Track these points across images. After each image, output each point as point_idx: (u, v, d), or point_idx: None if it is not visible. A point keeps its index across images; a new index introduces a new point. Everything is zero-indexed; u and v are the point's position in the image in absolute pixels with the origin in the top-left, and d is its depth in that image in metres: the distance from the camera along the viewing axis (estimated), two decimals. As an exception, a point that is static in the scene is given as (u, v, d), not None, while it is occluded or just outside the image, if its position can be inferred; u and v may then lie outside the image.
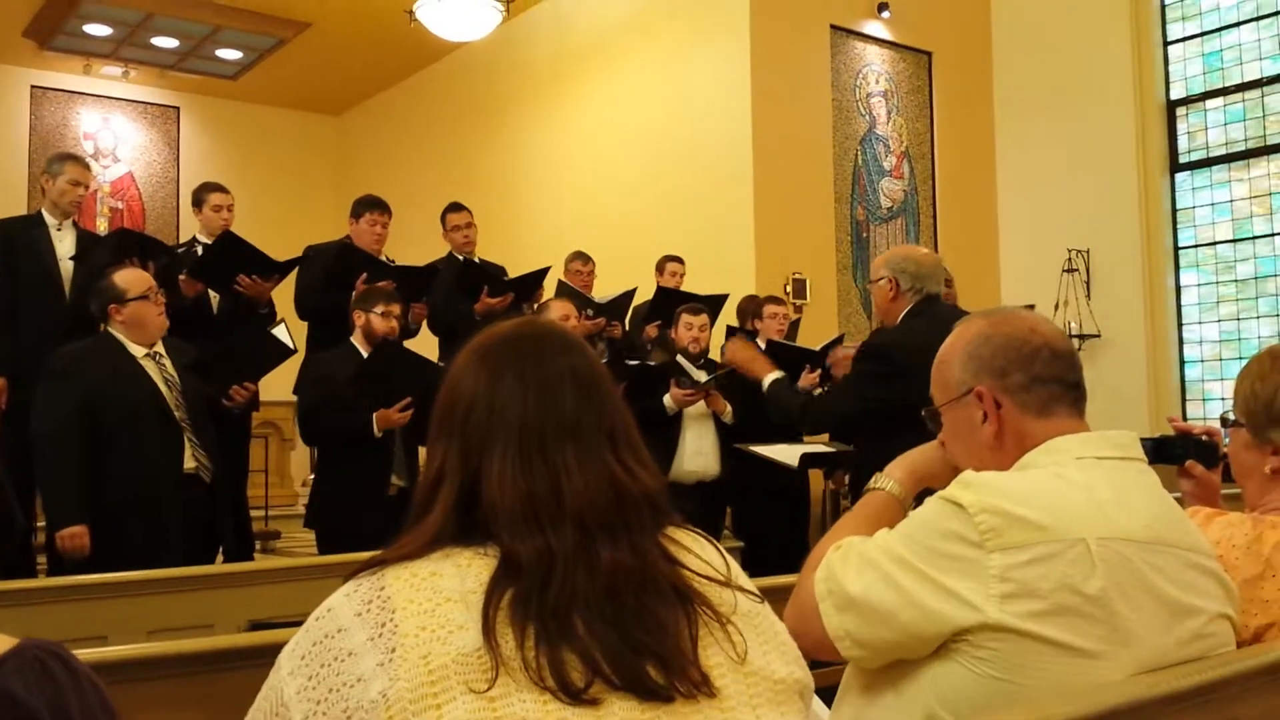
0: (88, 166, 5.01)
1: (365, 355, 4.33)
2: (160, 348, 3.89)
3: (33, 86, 10.15)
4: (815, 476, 5.67)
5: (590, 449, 1.10)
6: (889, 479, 1.58)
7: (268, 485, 7.08)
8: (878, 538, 1.37)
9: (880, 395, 3.50)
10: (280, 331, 4.19)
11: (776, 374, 3.90)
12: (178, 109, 10.92)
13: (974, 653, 1.27)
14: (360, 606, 1.02)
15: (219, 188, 5.33)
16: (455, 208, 5.88)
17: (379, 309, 4.36)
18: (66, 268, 4.67)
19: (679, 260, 6.46)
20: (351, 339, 4.43)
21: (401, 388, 4.20)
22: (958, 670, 1.28)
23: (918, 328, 3.53)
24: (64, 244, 4.71)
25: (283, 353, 4.10)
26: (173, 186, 10.72)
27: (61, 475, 3.62)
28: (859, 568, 1.34)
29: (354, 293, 4.59)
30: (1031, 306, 5.16)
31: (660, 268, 6.44)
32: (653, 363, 5.40)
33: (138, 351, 3.80)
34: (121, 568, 3.09)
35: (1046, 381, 1.46)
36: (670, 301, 5.74)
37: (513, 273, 5.75)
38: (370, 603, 1.01)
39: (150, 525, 3.65)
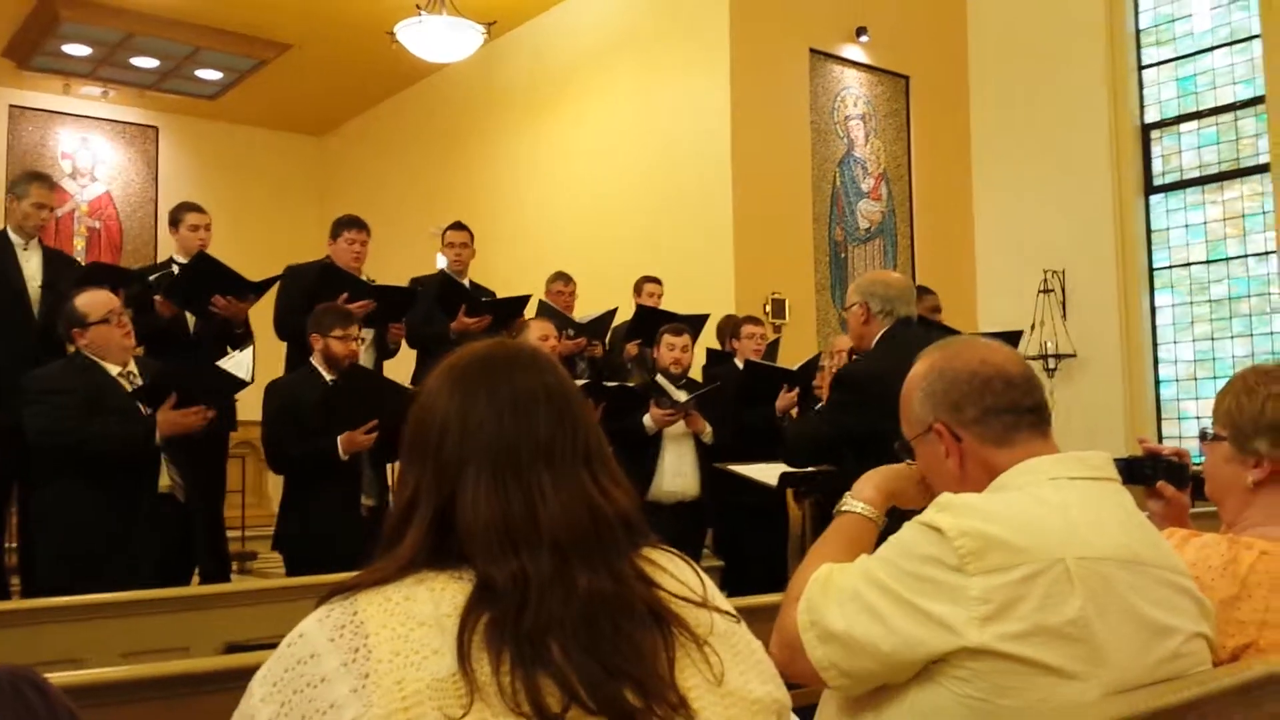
0: (53, 187, 4.92)
1: (327, 378, 4.28)
2: (133, 367, 3.87)
3: (11, 106, 10.09)
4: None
5: (565, 470, 1.10)
6: (858, 500, 1.58)
7: (244, 505, 7.02)
8: (857, 564, 1.38)
9: (852, 422, 3.53)
10: (235, 362, 4.11)
11: None
12: (156, 129, 10.89)
13: (955, 674, 1.27)
14: (333, 632, 1.00)
15: (196, 208, 5.30)
16: (455, 226, 5.93)
17: (336, 332, 4.31)
18: (34, 288, 4.59)
19: (657, 281, 6.48)
20: (311, 360, 4.38)
21: (368, 411, 4.16)
22: (939, 693, 1.28)
23: (888, 354, 3.57)
24: (30, 264, 4.63)
25: (235, 385, 4.03)
26: (151, 206, 10.68)
27: (105, 434, 3.62)
28: (839, 599, 1.34)
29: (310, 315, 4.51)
30: (1018, 334, 5.20)
31: (638, 289, 6.45)
32: (632, 383, 5.40)
33: (112, 370, 3.79)
34: (95, 588, 3.06)
35: (1000, 412, 1.48)
36: (650, 321, 5.76)
37: (494, 293, 5.76)
38: (343, 628, 1.00)
39: (124, 544, 3.63)
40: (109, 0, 7.86)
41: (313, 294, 4.79)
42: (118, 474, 3.67)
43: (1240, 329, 7.35)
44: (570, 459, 1.11)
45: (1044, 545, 1.29)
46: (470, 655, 0.97)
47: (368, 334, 5.19)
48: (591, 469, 1.11)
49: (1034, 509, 1.35)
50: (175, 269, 5.04)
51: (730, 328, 6.02)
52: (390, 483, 4.76)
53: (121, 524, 3.64)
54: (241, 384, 4.06)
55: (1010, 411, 1.48)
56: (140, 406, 3.78)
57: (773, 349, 6.19)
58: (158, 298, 4.71)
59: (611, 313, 6.04)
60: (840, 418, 3.66)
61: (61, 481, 3.64)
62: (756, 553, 5.30)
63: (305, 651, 1.00)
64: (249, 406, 4.77)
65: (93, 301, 3.80)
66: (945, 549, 1.28)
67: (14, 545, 4.66)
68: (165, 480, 3.84)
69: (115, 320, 3.79)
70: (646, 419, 5.04)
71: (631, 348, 5.99)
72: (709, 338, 6.17)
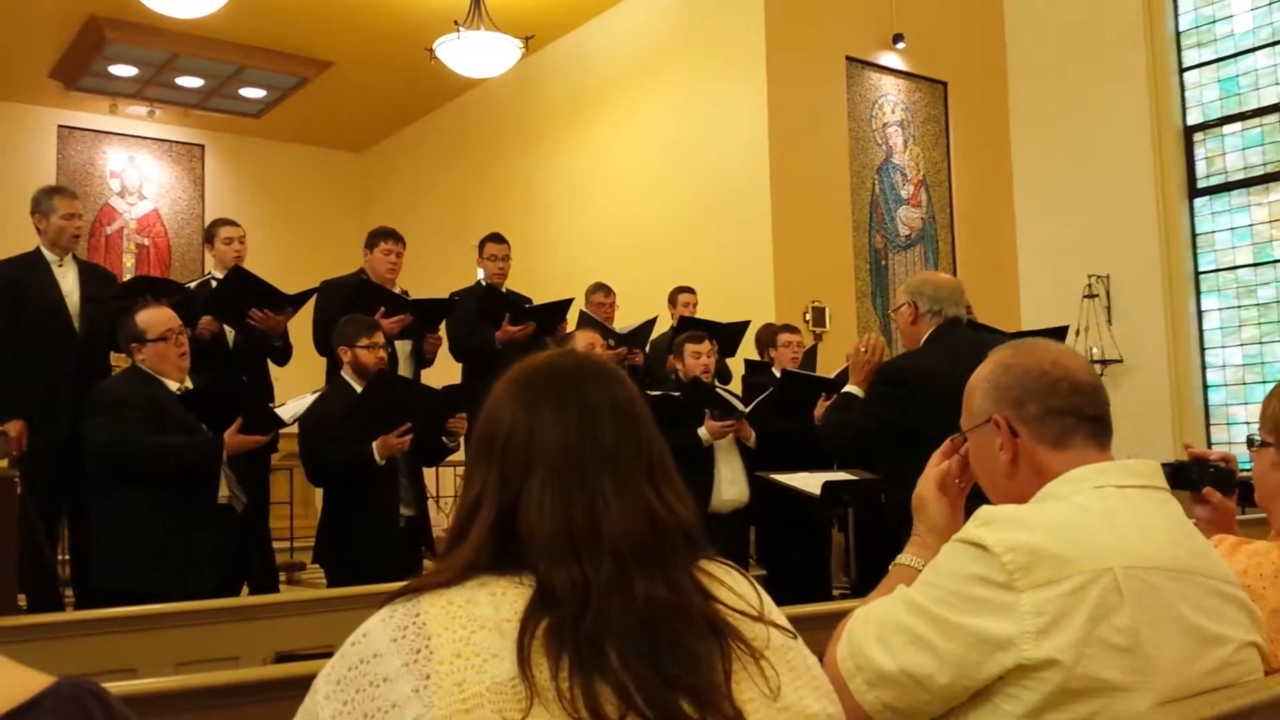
0: (75, 195, 4.94)
1: (358, 389, 4.30)
2: (189, 384, 3.96)
3: (59, 126, 10.30)
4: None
5: (628, 480, 1.10)
6: (913, 556, 1.58)
7: (292, 517, 7.07)
8: (896, 595, 1.36)
9: (892, 417, 3.51)
10: (292, 406, 4.21)
11: (856, 389, 3.83)
12: (202, 147, 11.06)
13: (1008, 692, 1.26)
14: (396, 632, 1.02)
15: (229, 221, 5.35)
16: (496, 238, 5.93)
17: (362, 342, 4.34)
18: (73, 303, 4.64)
19: (690, 291, 6.48)
20: (342, 374, 4.41)
21: (399, 414, 4.19)
22: (992, 710, 1.27)
23: (935, 352, 3.55)
24: (67, 280, 4.67)
25: (274, 422, 4.08)
26: (198, 223, 10.83)
27: (180, 450, 3.72)
28: (882, 636, 1.32)
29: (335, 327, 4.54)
30: (1064, 329, 5.16)
31: (672, 299, 6.45)
32: (677, 393, 5.38)
33: (171, 385, 3.88)
34: (155, 598, 3.14)
35: (1062, 414, 1.46)
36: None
37: (532, 300, 5.79)
38: (406, 629, 1.02)
39: (188, 555, 3.71)
40: (154, 21, 7.98)
41: (349, 308, 4.80)
42: (179, 485, 3.75)
43: (1289, 332, 7.23)
44: (634, 469, 1.11)
45: (1091, 555, 1.27)
46: (530, 660, 0.98)
47: (405, 345, 5.24)
48: (654, 480, 1.12)
49: (1079, 518, 1.33)
50: (213, 284, 5.10)
51: (767, 337, 6.00)
52: (428, 491, 4.80)
53: (184, 534, 3.72)
54: (279, 424, 4.13)
55: (1072, 415, 1.46)
56: (194, 419, 3.87)
57: (810, 356, 6.17)
58: (205, 318, 4.76)
59: (651, 322, 6.05)
60: (876, 409, 3.63)
61: (122, 492, 3.72)
62: (799, 562, 5.27)
63: (368, 651, 1.02)
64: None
65: (153, 319, 3.89)
66: (992, 566, 1.27)
67: (66, 557, 4.74)
68: (224, 491, 3.93)
69: (173, 339, 3.88)
70: (703, 432, 4.98)
71: (675, 360, 5.99)
72: (748, 348, 6.16)
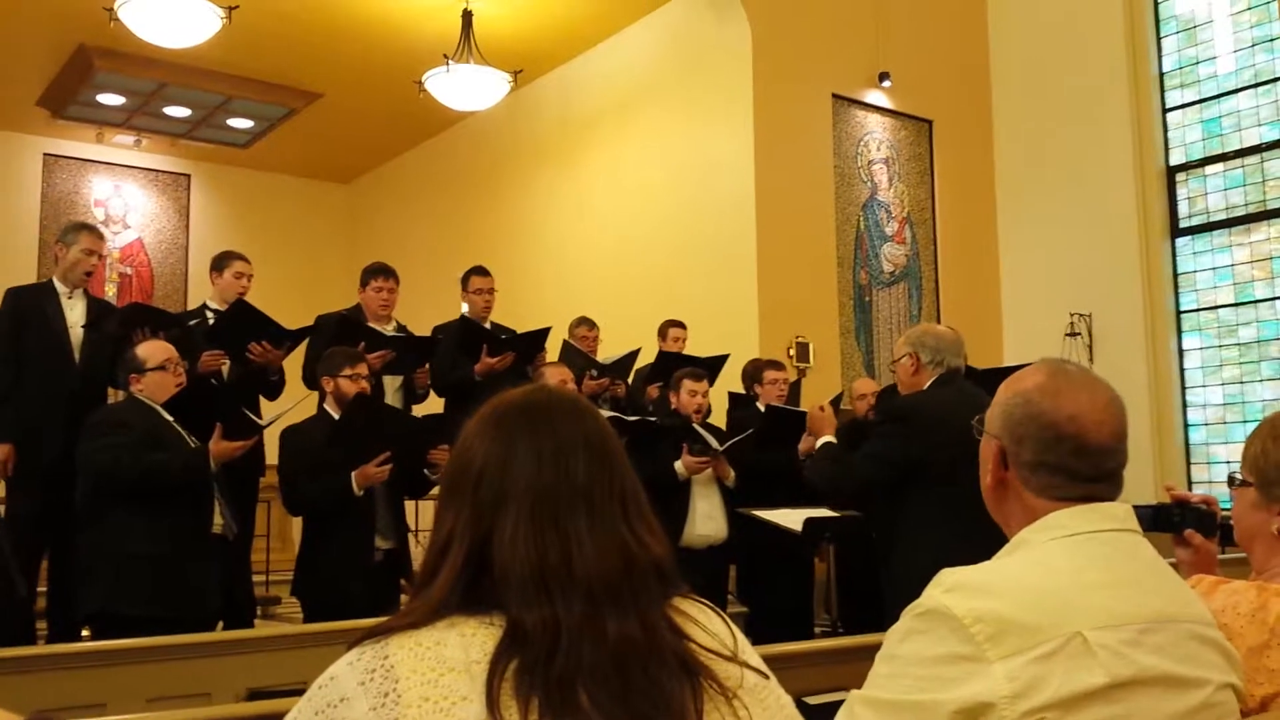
0: (102, 236, 5.00)
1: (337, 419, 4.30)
2: None
3: (45, 154, 10.28)
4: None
5: (603, 517, 1.10)
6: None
7: (269, 550, 7.02)
8: (873, 695, 1.31)
9: (903, 457, 3.52)
10: (275, 415, 4.26)
11: (831, 438, 4.02)
12: (189, 176, 11.05)
13: None
14: (363, 675, 1.01)
15: (241, 257, 5.32)
16: (480, 271, 5.92)
17: (346, 372, 4.35)
18: (77, 335, 4.68)
19: (681, 325, 6.49)
20: (324, 405, 4.40)
21: (378, 443, 4.18)
22: None
23: (942, 394, 3.58)
24: (74, 312, 4.72)
25: (251, 428, 4.10)
26: (182, 253, 10.81)
27: (159, 463, 3.77)
28: None
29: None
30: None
31: (662, 333, 6.46)
32: (654, 420, 5.38)
33: (167, 415, 3.94)
34: (157, 623, 3.20)
35: (1053, 470, 1.44)
36: (671, 366, 5.76)
37: (515, 331, 5.78)
38: (373, 672, 1.01)
39: (185, 581, 3.75)
40: (143, 51, 8.00)
41: (332, 344, 4.79)
42: (177, 509, 3.78)
43: (1270, 372, 7.28)
44: (607, 504, 1.11)
45: (1058, 621, 1.27)
46: (499, 702, 0.97)
47: (394, 380, 5.23)
48: (628, 516, 1.12)
49: (1046, 581, 1.32)
50: (209, 315, 5.08)
51: (754, 371, 6.01)
52: (408, 523, 4.77)
53: (184, 560, 3.76)
54: (258, 428, 4.15)
55: (1062, 473, 1.43)
56: (188, 439, 3.93)
57: (795, 390, 6.17)
58: (210, 353, 4.74)
59: (634, 354, 6.05)
60: (888, 453, 3.62)
61: (120, 516, 3.73)
62: (781, 598, 5.24)
63: (335, 695, 1.01)
64: (274, 450, 4.79)
65: (152, 350, 4.02)
66: (961, 637, 1.26)
67: (42, 589, 4.68)
68: (218, 520, 4.01)
69: (171, 369, 4.01)
70: (678, 465, 5.00)
71: (652, 390, 6.00)
72: (733, 380, 6.17)
